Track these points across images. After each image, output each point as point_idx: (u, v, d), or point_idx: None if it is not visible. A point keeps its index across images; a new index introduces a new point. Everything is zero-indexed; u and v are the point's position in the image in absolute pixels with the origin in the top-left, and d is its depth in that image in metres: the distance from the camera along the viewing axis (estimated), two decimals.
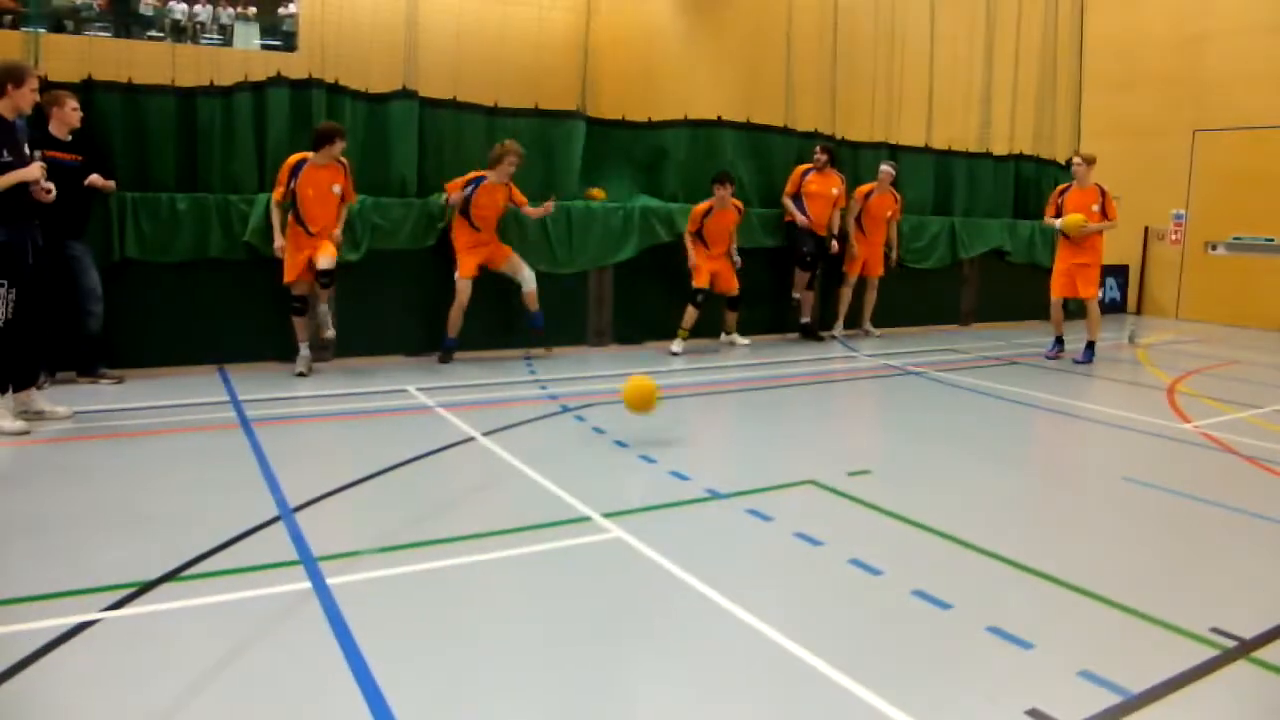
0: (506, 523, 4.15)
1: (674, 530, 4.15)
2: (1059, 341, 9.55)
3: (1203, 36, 13.46)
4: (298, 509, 4.22)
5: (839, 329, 10.51)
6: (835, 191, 9.83)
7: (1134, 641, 3.26)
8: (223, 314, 7.46)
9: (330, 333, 7.45)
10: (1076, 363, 9.16)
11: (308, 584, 3.42)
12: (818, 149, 9.83)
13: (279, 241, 7.15)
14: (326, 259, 7.20)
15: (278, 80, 7.73)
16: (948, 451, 5.86)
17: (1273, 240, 13.05)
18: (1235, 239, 13.45)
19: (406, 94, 8.23)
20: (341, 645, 2.97)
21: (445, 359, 7.94)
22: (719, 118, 9.94)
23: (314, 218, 7.20)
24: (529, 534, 4.03)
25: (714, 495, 4.64)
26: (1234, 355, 10.36)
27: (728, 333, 9.53)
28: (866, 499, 4.67)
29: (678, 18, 12.87)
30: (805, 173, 9.84)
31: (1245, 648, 3.20)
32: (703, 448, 5.73)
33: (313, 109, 7.79)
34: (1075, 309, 10.17)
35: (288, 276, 7.24)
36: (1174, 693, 2.89)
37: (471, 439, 5.52)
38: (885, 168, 10.35)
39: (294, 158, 7.17)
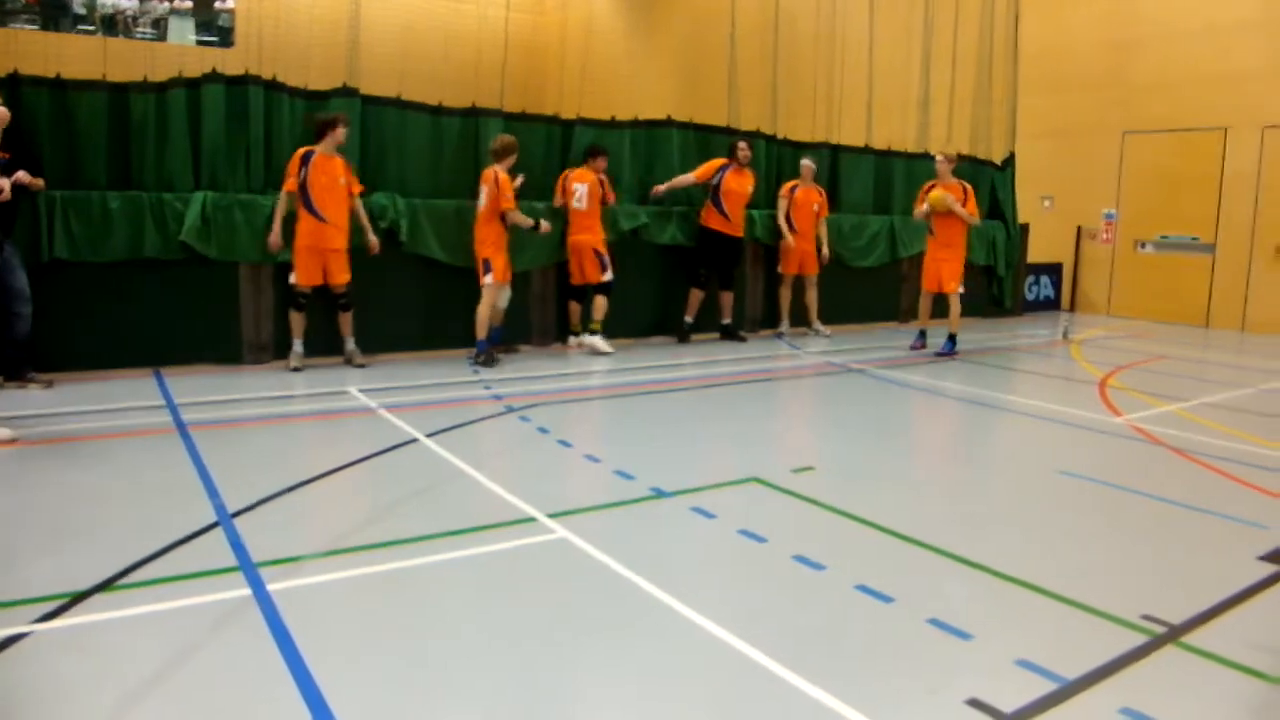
0: (450, 525, 4.12)
1: (619, 529, 4.16)
2: (922, 335, 9.84)
3: (1132, 42, 13.85)
4: (236, 514, 4.15)
5: (785, 327, 10.60)
6: (751, 190, 9.76)
7: (1069, 630, 3.34)
8: (157, 316, 7.29)
9: (361, 359, 7.77)
10: (939, 355, 9.38)
11: (247, 591, 3.36)
12: (744, 144, 9.65)
13: (275, 236, 7.34)
14: (341, 282, 7.56)
15: (213, 76, 7.57)
16: (889, 447, 5.96)
17: (1197, 239, 13.48)
18: (1162, 238, 13.87)
19: (347, 92, 8.13)
20: (283, 653, 2.92)
21: (487, 360, 8.00)
22: (668, 117, 9.96)
23: (327, 205, 7.38)
24: (473, 535, 4.01)
25: (659, 494, 4.65)
26: (1162, 350, 10.67)
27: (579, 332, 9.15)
28: (810, 495, 4.72)
29: (622, 17, 12.88)
30: (724, 168, 9.59)
31: (1174, 633, 3.31)
32: (647, 447, 5.74)
33: (249, 106, 7.65)
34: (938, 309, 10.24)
35: (303, 280, 7.42)
36: (1107, 678, 2.97)
37: (414, 440, 5.47)
38: (806, 162, 10.47)
39: (301, 150, 7.37)
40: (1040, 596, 3.60)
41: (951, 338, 9.52)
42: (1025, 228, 13.73)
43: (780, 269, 10.45)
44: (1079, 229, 14.70)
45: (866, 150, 11.96)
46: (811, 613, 3.40)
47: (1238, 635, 3.33)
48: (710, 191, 9.61)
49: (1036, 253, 14.21)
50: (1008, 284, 13.23)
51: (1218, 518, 4.67)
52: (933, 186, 9.46)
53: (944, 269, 9.47)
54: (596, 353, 8.67)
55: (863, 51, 12.02)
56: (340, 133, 7.39)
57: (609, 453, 5.39)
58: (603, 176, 8.84)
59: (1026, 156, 13.69)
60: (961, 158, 12.94)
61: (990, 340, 10.17)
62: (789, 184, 10.45)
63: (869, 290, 11.74)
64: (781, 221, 10.32)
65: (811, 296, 10.69)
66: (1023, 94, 13.68)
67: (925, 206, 9.36)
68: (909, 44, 12.50)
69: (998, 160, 13.18)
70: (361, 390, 6.79)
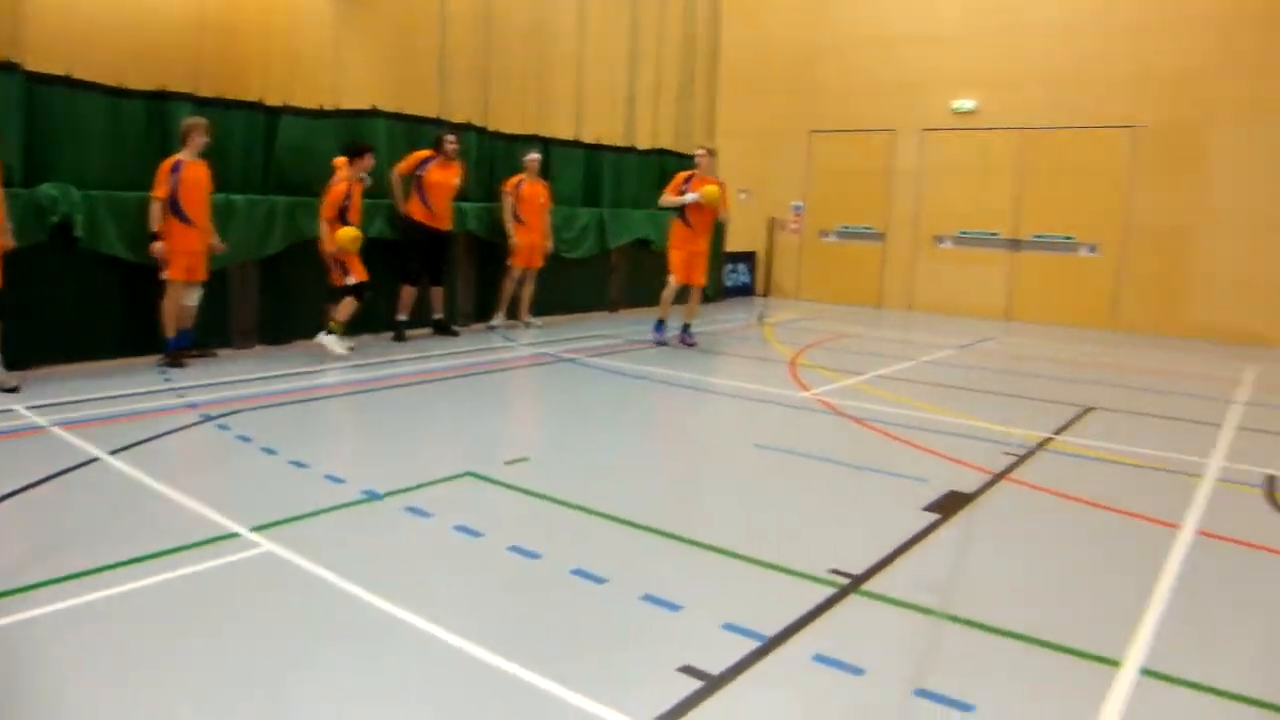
0: (142, 549, 3.76)
1: (331, 537, 4.00)
2: (661, 324, 9.82)
3: (817, 49, 15.20)
4: None
5: (500, 319, 10.60)
6: (457, 183, 9.61)
7: (767, 590, 3.62)
8: None
9: (11, 380, 6.52)
10: (689, 345, 9.68)
11: None
12: (451, 138, 9.53)
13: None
14: None
15: None
16: (601, 433, 6.14)
17: (872, 229, 14.99)
18: (844, 228, 15.30)
19: (6, 67, 7.14)
20: None
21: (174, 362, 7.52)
22: (374, 107, 9.63)
23: None
24: (168, 559, 3.69)
25: (371, 496, 4.52)
26: (843, 330, 11.78)
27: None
28: (524, 486, 4.77)
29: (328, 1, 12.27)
30: (427, 160, 9.39)
31: (857, 582, 3.68)
32: (358, 448, 5.57)
33: None
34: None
35: None
36: (803, 629, 3.26)
37: (95, 460, 4.95)
38: (533, 156, 10.57)
39: None
40: (742, 562, 3.87)
41: (686, 326, 9.81)
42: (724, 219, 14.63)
43: (510, 262, 10.42)
44: (771, 220, 15.86)
45: (577, 144, 12.21)
46: (529, 602, 3.45)
47: (908, 578, 3.76)
48: (414, 182, 9.41)
49: (734, 242, 15.19)
50: (709, 272, 14.01)
51: (890, 476, 5.23)
52: (690, 177, 9.52)
53: (699, 263, 9.61)
54: (329, 354, 8.20)
55: (573, 46, 12.24)
56: None
57: (318, 457, 5.16)
58: (348, 177, 8.26)
59: (725, 153, 14.54)
60: (666, 152, 13.61)
61: (694, 325, 10.70)
62: (514, 179, 10.44)
63: (579, 281, 12.02)
64: (507, 218, 10.30)
65: (529, 290, 10.77)
66: (722, 93, 14.57)
67: (692, 196, 9.26)
68: (616, 41, 12.88)
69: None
70: (29, 407, 6.03)
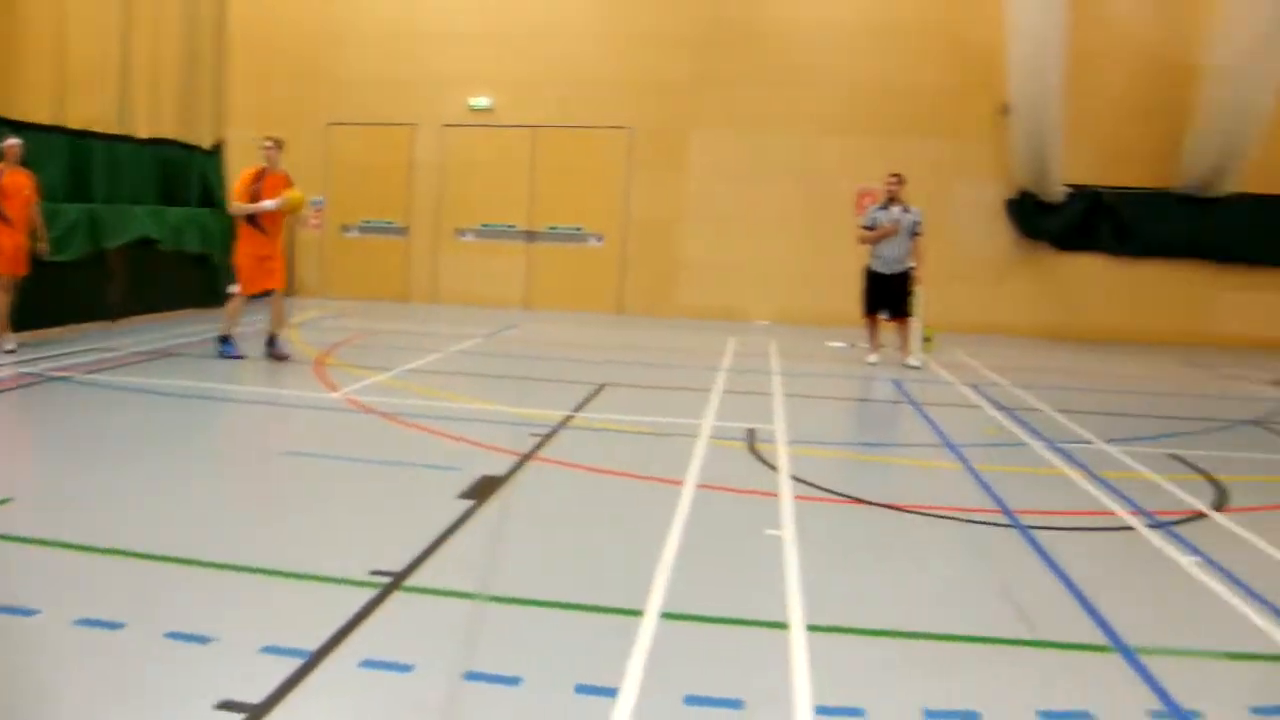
0: None
1: None
2: (230, 340, 9.00)
3: (334, 37, 14.87)
4: None
5: (11, 341, 8.79)
6: None
7: (307, 603, 3.54)
8: None
9: None
10: (283, 359, 8.85)
11: None
12: None
13: None
14: None
15: None
16: (103, 460, 5.48)
17: (394, 223, 15.05)
18: (366, 222, 15.18)
19: None
20: None
21: None
22: None
23: None
24: None
25: None
26: (370, 325, 11.74)
27: None
28: (6, 532, 4.12)
29: None
30: None
31: (399, 580, 3.72)
32: None
33: None
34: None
35: None
36: (347, 636, 3.21)
37: None
38: (12, 141, 8.96)
39: None
40: (277, 578, 3.73)
41: (273, 338, 8.89)
42: None
43: None
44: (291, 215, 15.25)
45: (59, 130, 10.61)
46: (29, 668, 3.00)
47: (448, 567, 3.90)
48: None
49: None
50: (224, 272, 13.08)
51: (424, 468, 5.37)
52: (261, 174, 8.70)
53: (277, 266, 8.89)
54: None
55: (48, 11, 10.56)
56: None
57: None
58: None
59: (236, 145, 13.60)
60: (170, 141, 12.40)
61: (206, 331, 9.91)
62: None
63: (69, 287, 10.52)
64: None
65: (7, 300, 9.10)
66: (236, 82, 13.66)
67: (272, 203, 8.54)
68: (104, 9, 11.32)
69: (207, 145, 12.98)
70: None
